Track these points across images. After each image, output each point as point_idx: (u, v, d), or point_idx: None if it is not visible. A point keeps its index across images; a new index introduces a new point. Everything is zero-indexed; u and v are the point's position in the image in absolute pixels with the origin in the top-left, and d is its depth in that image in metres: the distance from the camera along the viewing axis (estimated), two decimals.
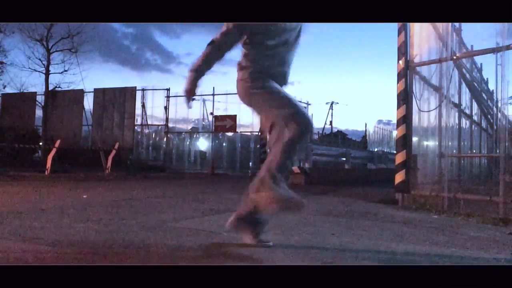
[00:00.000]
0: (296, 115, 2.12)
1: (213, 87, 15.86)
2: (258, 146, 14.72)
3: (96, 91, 16.75)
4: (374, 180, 11.24)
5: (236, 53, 2.33)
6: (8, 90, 16.82)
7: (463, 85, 6.59)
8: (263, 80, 2.21)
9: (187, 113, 17.67)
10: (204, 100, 16.66)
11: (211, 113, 16.25)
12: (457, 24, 5.94)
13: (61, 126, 16.35)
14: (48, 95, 15.91)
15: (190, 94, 2.22)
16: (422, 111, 5.10)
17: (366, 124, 25.12)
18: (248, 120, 18.03)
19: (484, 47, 4.73)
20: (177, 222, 3.10)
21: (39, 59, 15.58)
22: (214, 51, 2.23)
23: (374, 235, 2.81)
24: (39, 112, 16.92)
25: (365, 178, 11.61)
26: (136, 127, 16.31)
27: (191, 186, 7.88)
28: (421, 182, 4.95)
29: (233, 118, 15.04)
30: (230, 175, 14.14)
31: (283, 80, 2.32)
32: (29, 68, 15.73)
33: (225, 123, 15.24)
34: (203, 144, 17.47)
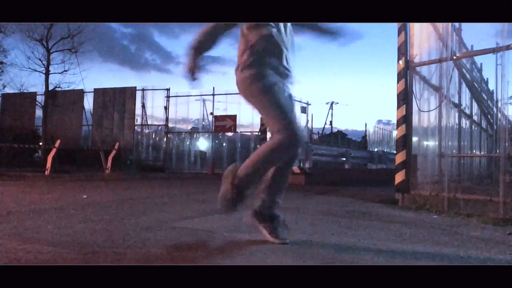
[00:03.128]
0: (285, 128, 2.06)
1: (213, 87, 15.88)
2: (258, 146, 14.71)
3: (96, 91, 16.75)
4: (374, 180, 11.24)
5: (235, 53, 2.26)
6: (8, 90, 16.82)
7: (463, 85, 6.59)
8: (267, 76, 2.09)
9: (187, 113, 17.67)
10: (204, 100, 16.67)
11: (211, 113, 16.25)
12: (457, 24, 5.94)
13: (61, 126, 16.35)
14: (48, 95, 15.90)
15: (192, 73, 2.12)
16: (422, 111, 5.10)
17: (366, 124, 25.11)
18: (248, 120, 18.04)
19: (484, 47, 4.73)
20: (177, 222, 3.10)
21: (39, 59, 15.57)
22: (218, 25, 2.11)
23: (374, 235, 2.81)
24: (39, 112, 16.92)
25: (365, 178, 11.60)
26: (136, 127, 16.31)
27: (191, 186, 7.88)
28: (421, 182, 4.95)
29: (233, 118, 15.04)
30: None
31: (287, 77, 2.21)
32: (29, 68, 15.71)
33: (225, 123, 15.24)
34: (203, 144, 17.46)
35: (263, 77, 2.11)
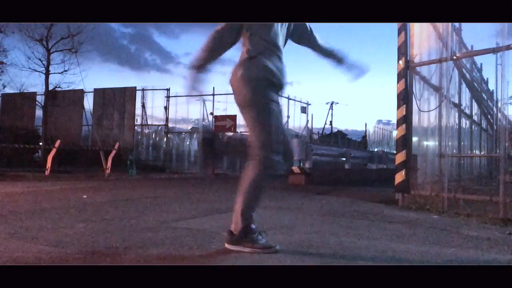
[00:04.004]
0: (265, 156, 2.09)
1: (213, 87, 15.87)
2: None
3: (96, 91, 16.74)
4: (374, 180, 11.24)
5: (236, 53, 2.28)
6: (8, 90, 16.77)
7: (463, 85, 6.59)
8: (265, 89, 2.12)
9: (187, 113, 17.68)
10: (204, 100, 16.66)
11: (211, 113, 16.26)
12: (457, 24, 5.94)
13: (61, 126, 16.34)
14: (48, 95, 15.89)
15: (193, 88, 2.14)
16: (422, 111, 5.10)
17: (366, 124, 25.14)
18: None
19: (484, 47, 4.73)
20: (177, 222, 3.10)
21: (39, 59, 15.54)
22: (215, 43, 2.13)
23: (374, 235, 2.81)
24: (39, 112, 16.90)
25: (365, 178, 11.59)
26: (136, 127, 16.31)
27: (191, 186, 7.88)
28: (421, 182, 4.95)
29: (233, 118, 15.03)
30: (230, 175, 14.14)
31: (280, 89, 2.24)
32: (29, 68, 15.67)
33: (225, 123, 15.24)
34: None
35: (259, 86, 2.12)
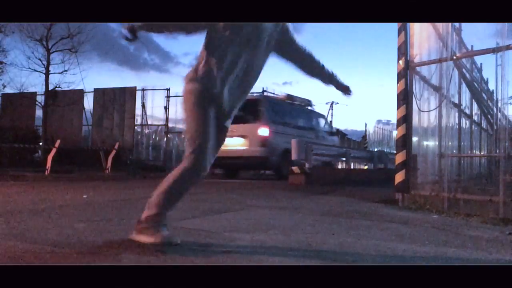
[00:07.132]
0: (197, 152, 2.11)
1: None
2: None
3: (96, 91, 16.74)
4: (374, 180, 11.23)
5: None
6: (8, 90, 16.77)
7: (463, 85, 6.58)
8: (205, 100, 2.13)
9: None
10: None
11: None
12: (457, 24, 5.94)
13: (61, 126, 16.34)
14: (48, 95, 15.89)
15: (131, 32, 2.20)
16: (422, 111, 5.10)
17: (366, 124, 25.11)
18: None
19: (484, 47, 4.73)
20: (177, 222, 3.10)
21: (39, 59, 15.55)
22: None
23: (374, 235, 2.81)
24: (39, 112, 16.91)
25: (365, 178, 11.58)
26: (136, 127, 16.30)
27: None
28: (421, 182, 4.94)
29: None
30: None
31: (225, 113, 2.25)
32: (29, 68, 15.69)
33: None
34: None
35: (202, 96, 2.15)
